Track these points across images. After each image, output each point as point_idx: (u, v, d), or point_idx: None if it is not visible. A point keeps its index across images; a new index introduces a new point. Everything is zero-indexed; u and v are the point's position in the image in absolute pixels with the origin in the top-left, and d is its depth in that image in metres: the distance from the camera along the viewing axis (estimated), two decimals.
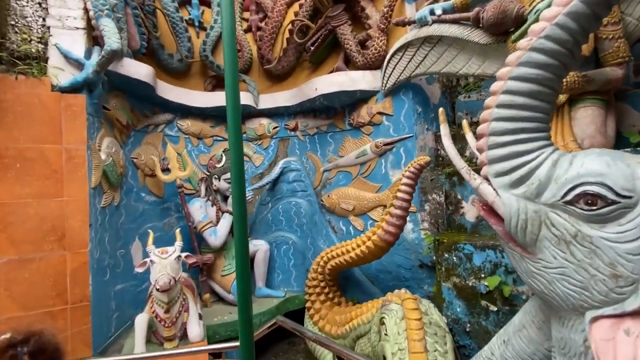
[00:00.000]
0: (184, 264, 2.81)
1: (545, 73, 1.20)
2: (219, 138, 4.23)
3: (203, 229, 3.33)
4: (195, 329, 2.58)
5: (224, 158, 3.55)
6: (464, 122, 1.66)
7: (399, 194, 2.57)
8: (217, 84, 4.00)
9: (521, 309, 1.52)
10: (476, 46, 2.49)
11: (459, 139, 3.10)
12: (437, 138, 3.29)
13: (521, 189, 1.22)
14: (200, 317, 2.83)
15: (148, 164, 3.43)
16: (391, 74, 3.20)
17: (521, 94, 1.24)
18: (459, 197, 2.63)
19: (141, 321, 2.44)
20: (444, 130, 1.61)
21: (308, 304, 3.44)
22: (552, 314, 1.21)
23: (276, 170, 3.86)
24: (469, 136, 1.65)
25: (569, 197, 1.09)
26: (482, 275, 2.08)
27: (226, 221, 3.45)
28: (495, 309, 2.03)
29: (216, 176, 3.53)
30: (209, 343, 2.70)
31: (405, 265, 3.27)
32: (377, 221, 3.46)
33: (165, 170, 3.54)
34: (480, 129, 1.38)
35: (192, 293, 2.96)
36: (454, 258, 2.26)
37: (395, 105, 3.30)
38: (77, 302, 2.40)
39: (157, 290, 2.39)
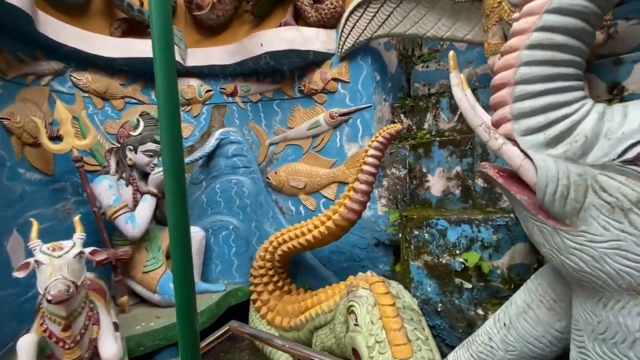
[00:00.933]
0: (88, 263, 2.10)
1: (592, 6, 0.98)
2: (133, 101, 3.36)
3: (115, 216, 2.57)
4: (109, 347, 1.95)
5: (141, 124, 2.79)
6: (462, 77, 1.40)
7: (365, 167, 2.28)
8: (128, 29, 3.10)
9: (523, 289, 1.38)
10: (447, 5, 2.28)
11: (417, 111, 2.95)
12: (394, 110, 3.09)
13: (560, 148, 1.01)
14: (117, 327, 2.18)
15: (28, 129, 2.47)
16: (349, 34, 2.84)
17: (563, 32, 1.00)
18: (424, 170, 2.47)
19: (26, 345, 1.72)
20: (455, 80, 1.32)
21: (254, 296, 3.01)
22: (584, 294, 1.06)
23: (212, 143, 3.23)
24: (468, 93, 1.40)
25: (629, 156, 0.90)
26: (457, 252, 1.95)
27: (147, 204, 2.74)
28: (470, 286, 1.92)
29: (131, 147, 2.76)
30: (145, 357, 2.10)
31: (360, 245, 3.07)
32: (332, 200, 3.17)
33: (55, 138, 2.62)
34: (502, 77, 1.12)
35: (103, 298, 2.27)
36: (426, 235, 2.09)
37: (353, 71, 2.97)
38: None
39: (49, 302, 1.69)
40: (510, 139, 1.13)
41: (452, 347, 2.11)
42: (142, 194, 2.77)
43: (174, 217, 0.74)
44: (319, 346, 2.40)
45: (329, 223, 2.48)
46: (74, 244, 1.91)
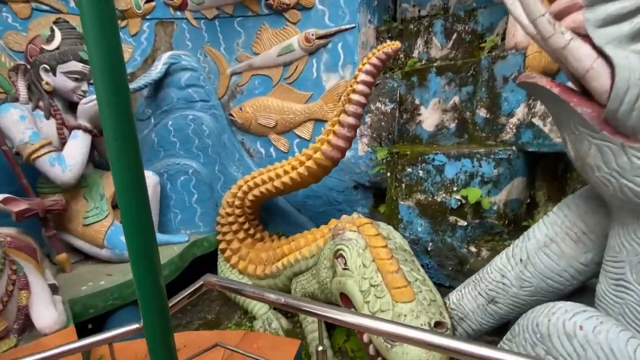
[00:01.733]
0: (4, 216, 1.61)
1: None
2: (43, 7, 2.53)
3: (35, 156, 2.00)
4: (45, 314, 1.58)
5: (57, 35, 2.09)
6: None
7: (354, 97, 1.95)
8: None
9: (544, 222, 1.25)
10: None
11: (405, 36, 2.59)
12: (379, 35, 2.70)
13: None
14: (55, 290, 1.79)
15: None
16: None
17: None
18: (417, 102, 2.21)
19: None
20: None
21: (222, 245, 2.73)
22: (636, 222, 0.92)
23: (158, 68, 2.62)
24: None
25: None
26: (455, 189, 1.80)
27: (79, 142, 2.18)
28: (465, 223, 1.81)
29: (46, 67, 2.09)
30: (79, 326, 1.76)
31: (338, 188, 2.85)
32: (307, 140, 2.84)
33: None
34: None
35: (33, 258, 1.82)
36: (420, 172, 1.90)
37: None
38: None
39: None
40: (579, 33, 0.87)
41: (440, 286, 2.08)
42: (70, 129, 2.18)
43: (120, 155, 0.60)
44: (299, 292, 2.24)
45: (310, 163, 2.18)
46: None
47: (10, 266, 1.55)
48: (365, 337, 1.70)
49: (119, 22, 2.80)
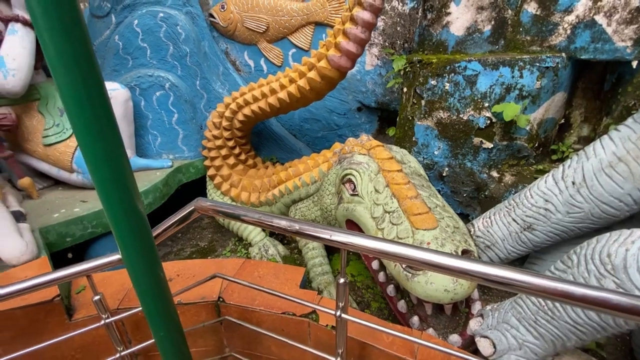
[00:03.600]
0: None
1: None
2: None
3: None
4: (10, 243, 1.35)
5: None
6: None
7: None
8: None
9: (611, 138, 1.03)
10: None
11: None
12: None
13: None
14: (22, 218, 1.55)
15: None
16: None
17: None
18: None
19: None
20: None
21: (211, 172, 2.48)
22: None
23: None
24: None
25: None
26: (486, 104, 1.53)
27: (20, 39, 1.70)
28: (491, 145, 1.60)
29: None
30: (55, 255, 1.56)
31: (339, 110, 2.54)
32: (306, 50, 2.41)
33: None
34: None
35: None
36: (446, 84, 1.60)
37: None
38: None
39: None
40: None
41: None
42: (6, 21, 1.68)
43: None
44: None
45: (312, 74, 1.82)
46: None
47: None
48: (375, 264, 1.60)
49: None
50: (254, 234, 2.38)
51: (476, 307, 1.25)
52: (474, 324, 1.12)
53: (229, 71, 2.55)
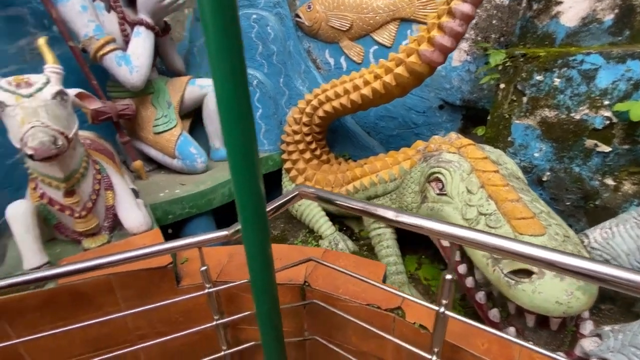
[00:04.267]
0: (81, 114, 1.52)
1: None
2: None
3: (102, 53, 1.85)
4: (133, 215, 1.57)
5: None
6: None
7: None
8: None
9: None
10: None
11: None
12: None
13: None
14: (137, 194, 1.78)
15: None
16: None
17: None
18: None
19: (20, 214, 1.30)
20: None
21: (287, 165, 2.60)
22: None
23: None
24: None
25: None
26: (606, 102, 1.36)
27: (143, 41, 1.97)
28: (608, 149, 1.41)
29: None
30: (164, 228, 1.77)
31: (418, 107, 2.47)
32: (388, 47, 2.39)
33: None
34: None
35: (112, 161, 1.79)
36: (556, 80, 1.46)
37: None
38: None
39: (31, 157, 1.17)
40: None
41: None
42: (132, 24, 1.96)
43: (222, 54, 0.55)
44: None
45: (400, 70, 1.80)
46: (47, 79, 1.28)
47: (94, 166, 1.51)
48: (462, 269, 1.52)
49: None
50: (324, 227, 2.43)
51: (587, 326, 1.11)
52: (588, 345, 1.01)
53: (310, 69, 2.65)
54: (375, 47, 2.44)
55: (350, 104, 2.11)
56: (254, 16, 2.35)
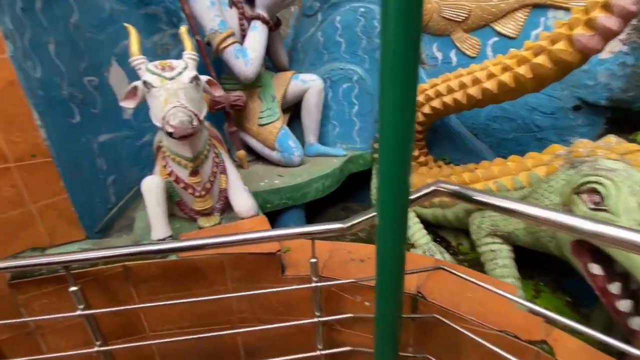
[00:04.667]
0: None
1: None
2: None
3: (223, 46, 1.97)
4: (244, 199, 1.61)
5: None
6: None
7: None
8: None
9: None
10: None
11: None
12: None
13: None
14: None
15: None
16: None
17: None
18: None
19: (154, 187, 1.41)
20: None
21: None
22: None
23: None
24: None
25: None
26: None
27: (259, 34, 2.05)
28: None
29: None
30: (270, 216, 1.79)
31: (545, 108, 2.11)
32: (513, 38, 2.10)
33: None
34: None
35: (223, 148, 1.88)
36: None
37: None
38: (25, 156, 1.30)
39: (170, 135, 1.26)
40: None
41: None
42: (249, 19, 2.06)
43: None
44: (484, 230, 1.82)
45: (541, 59, 1.52)
46: (186, 64, 1.36)
47: (213, 149, 1.58)
48: (624, 305, 1.20)
49: None
50: (419, 234, 2.23)
51: None
52: None
53: None
54: (496, 38, 2.17)
55: (466, 100, 1.89)
56: (362, 9, 2.28)
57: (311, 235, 1.16)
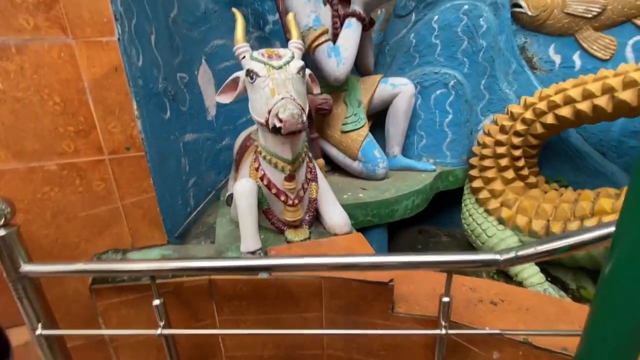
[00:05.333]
0: None
1: None
2: None
3: (317, 43, 1.81)
4: (336, 211, 1.39)
5: None
6: None
7: None
8: None
9: None
10: None
11: None
12: None
13: None
14: None
15: None
16: None
17: None
18: None
19: (248, 192, 1.24)
20: None
21: (476, 183, 2.11)
22: None
23: None
24: None
25: None
26: None
27: (353, 32, 1.87)
28: None
29: None
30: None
31: None
32: None
33: None
34: None
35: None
36: None
37: None
38: (120, 149, 1.21)
39: (277, 131, 1.07)
40: None
41: None
42: (344, 17, 1.89)
43: None
44: None
45: None
46: (293, 54, 1.20)
47: (307, 155, 1.39)
48: None
49: None
50: (530, 271, 1.83)
51: None
52: None
53: (523, 69, 2.14)
54: (638, 37, 1.76)
55: (592, 112, 1.52)
56: (466, 7, 2.02)
57: (450, 266, 0.88)
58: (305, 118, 1.08)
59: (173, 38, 1.59)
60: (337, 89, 2.05)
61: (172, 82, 1.55)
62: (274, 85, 1.09)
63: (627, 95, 1.45)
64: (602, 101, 1.54)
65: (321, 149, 2.21)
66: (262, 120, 1.12)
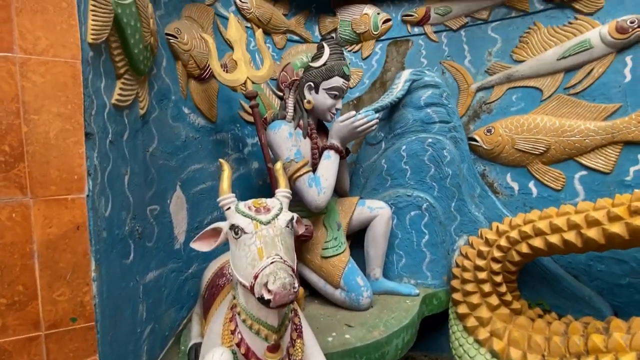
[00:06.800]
0: None
1: None
2: (295, 37, 2.65)
3: (298, 175, 1.83)
4: None
5: (325, 51, 1.98)
6: None
7: None
8: None
9: None
10: None
11: None
12: None
13: None
14: None
15: (194, 55, 1.89)
16: None
17: None
18: None
19: None
20: None
21: (462, 309, 2.01)
22: None
23: (400, 87, 2.30)
24: None
25: None
26: None
27: (332, 163, 1.95)
28: None
29: (311, 84, 1.98)
30: None
31: None
32: (605, 172, 1.94)
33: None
34: None
35: None
36: None
37: None
38: (63, 321, 0.97)
39: (265, 303, 0.93)
40: None
41: None
42: (322, 149, 1.99)
43: None
44: None
45: None
46: (281, 204, 1.15)
47: (293, 308, 1.23)
48: None
49: (353, 46, 2.72)
50: None
51: None
52: None
53: (487, 193, 2.30)
54: (584, 172, 2.02)
55: (581, 243, 1.59)
56: (430, 140, 2.24)
57: None
58: (297, 285, 0.96)
59: (149, 172, 1.51)
60: (317, 212, 2.02)
61: (140, 219, 1.41)
62: (262, 244, 1.00)
63: (593, 234, 1.55)
64: (571, 236, 1.63)
65: (300, 274, 2.05)
66: (247, 284, 0.98)
